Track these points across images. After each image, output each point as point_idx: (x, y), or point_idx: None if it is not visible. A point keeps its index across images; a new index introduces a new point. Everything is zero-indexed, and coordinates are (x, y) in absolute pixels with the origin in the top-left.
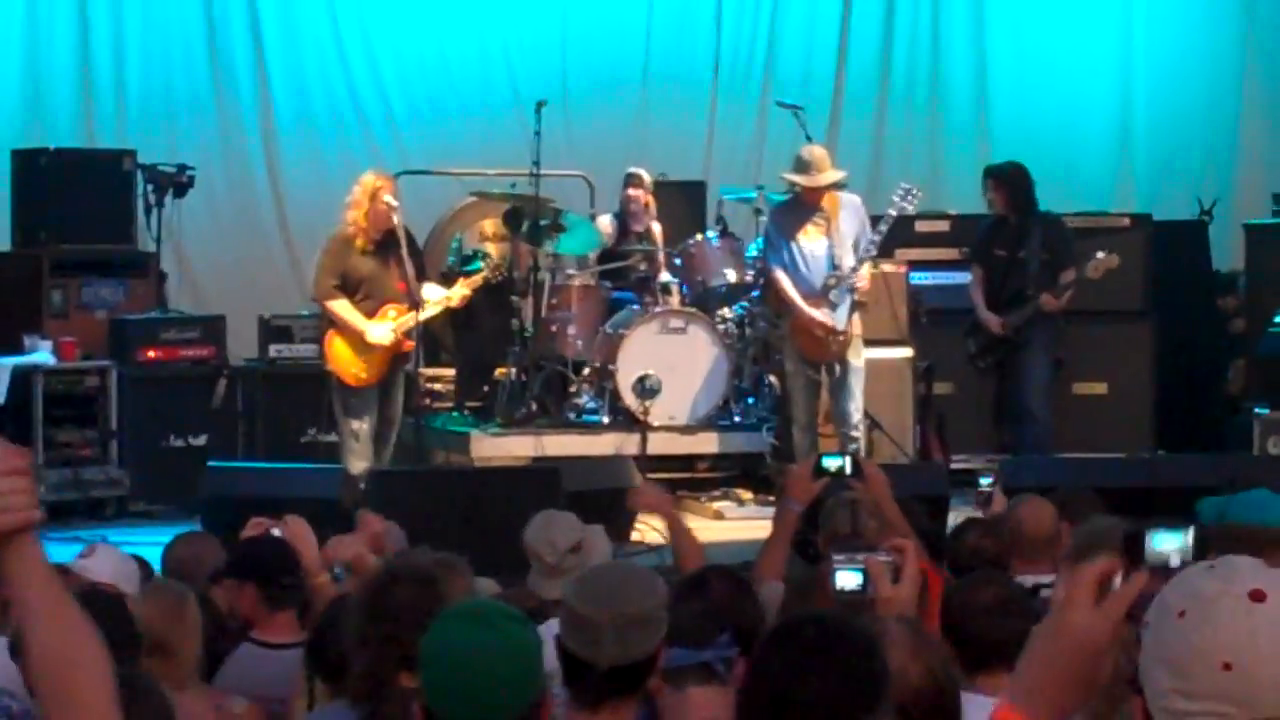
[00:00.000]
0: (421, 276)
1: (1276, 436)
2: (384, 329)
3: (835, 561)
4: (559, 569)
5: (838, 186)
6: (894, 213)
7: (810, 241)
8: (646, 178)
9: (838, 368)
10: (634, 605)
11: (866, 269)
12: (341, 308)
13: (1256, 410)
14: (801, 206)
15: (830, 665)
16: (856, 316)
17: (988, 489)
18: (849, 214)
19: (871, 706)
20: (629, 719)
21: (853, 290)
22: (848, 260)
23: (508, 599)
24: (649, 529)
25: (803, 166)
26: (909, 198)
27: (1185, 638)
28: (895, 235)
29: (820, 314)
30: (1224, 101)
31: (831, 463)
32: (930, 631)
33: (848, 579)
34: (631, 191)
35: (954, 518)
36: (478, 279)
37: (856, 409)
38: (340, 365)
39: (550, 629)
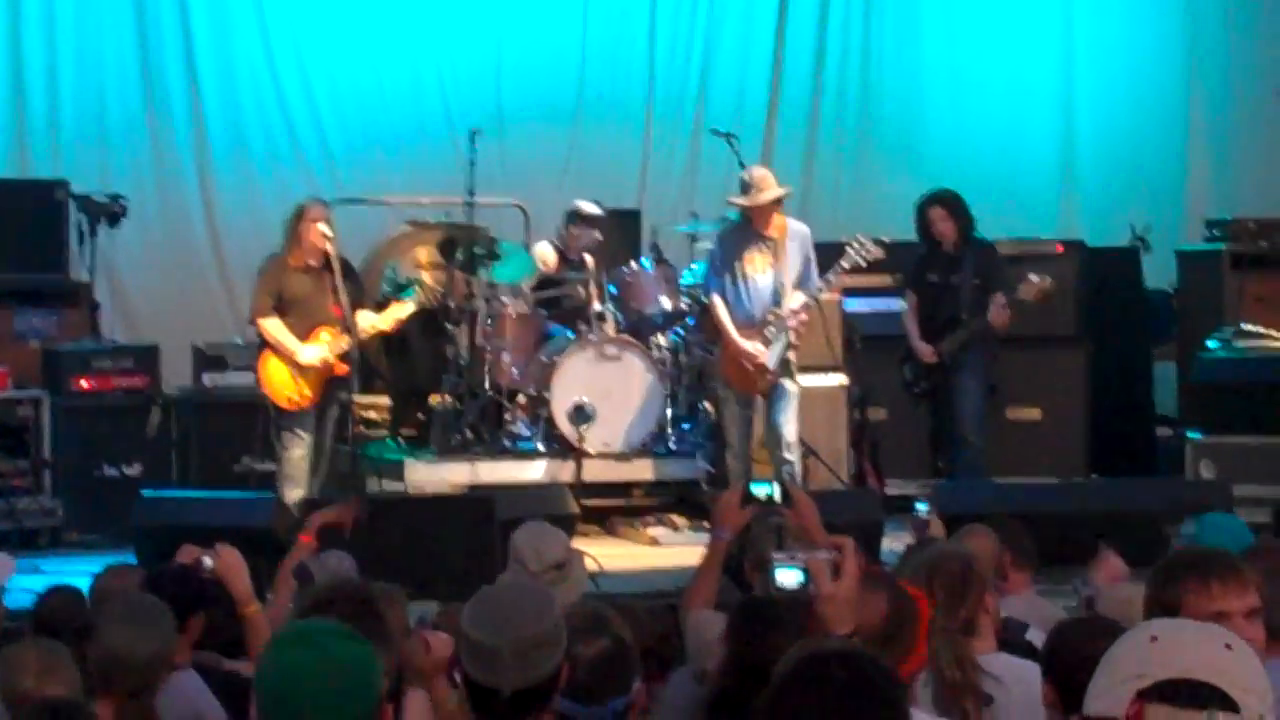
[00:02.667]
0: (359, 304)
1: (1209, 460)
2: (316, 350)
3: (775, 559)
4: (538, 580)
5: (778, 203)
6: (846, 265)
7: (755, 271)
8: (597, 213)
9: (764, 396)
10: (531, 628)
11: (801, 300)
12: (275, 327)
13: (1189, 435)
14: (749, 231)
15: (857, 702)
16: (793, 354)
17: (924, 515)
18: (796, 244)
19: None
20: None
21: (787, 330)
22: (790, 295)
23: (448, 616)
24: (585, 556)
25: (744, 188)
26: (863, 251)
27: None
28: (828, 261)
29: (751, 347)
30: (1169, 129)
31: (760, 490)
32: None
33: (788, 576)
34: (577, 231)
35: (888, 543)
36: (410, 304)
37: (791, 433)
38: (274, 388)
39: None
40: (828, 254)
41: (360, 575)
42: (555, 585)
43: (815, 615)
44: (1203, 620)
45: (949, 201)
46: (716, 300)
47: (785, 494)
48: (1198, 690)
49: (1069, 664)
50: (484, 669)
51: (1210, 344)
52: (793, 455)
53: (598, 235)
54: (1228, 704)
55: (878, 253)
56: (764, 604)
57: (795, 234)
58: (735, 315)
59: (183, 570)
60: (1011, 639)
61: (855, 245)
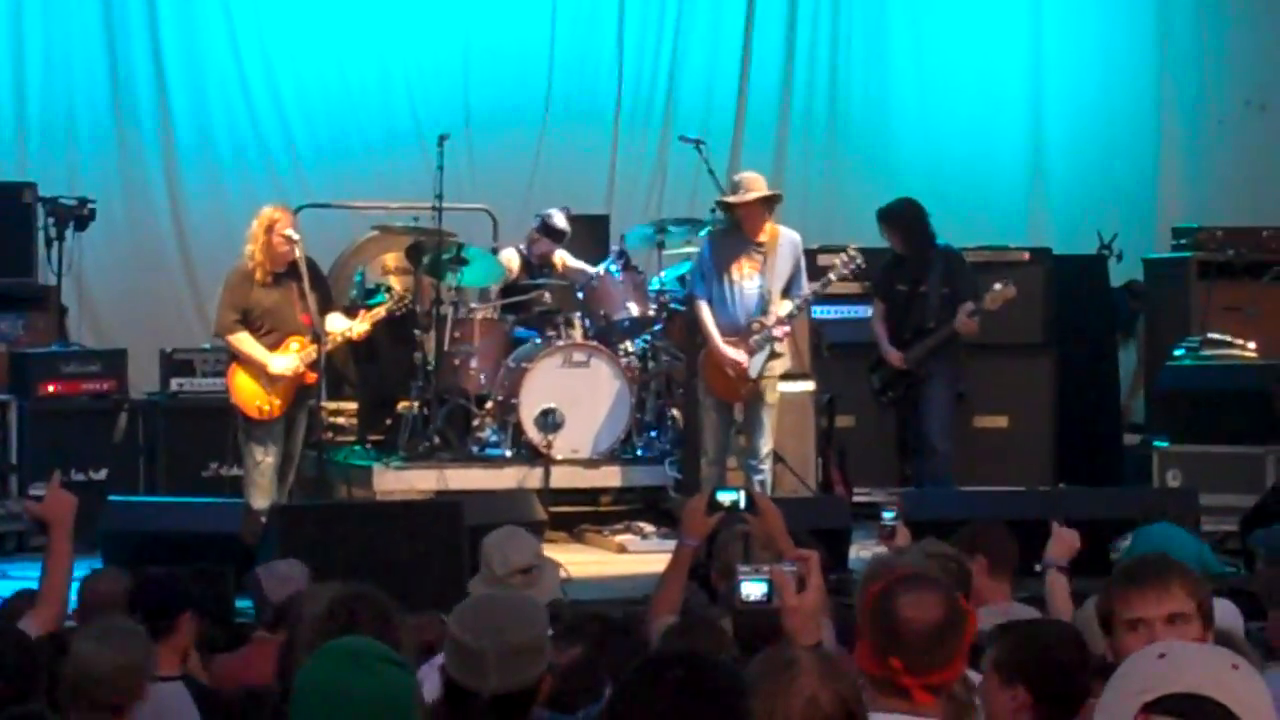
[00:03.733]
0: (328, 307)
1: (1175, 469)
2: (287, 360)
3: (741, 573)
4: (503, 584)
5: (769, 206)
6: (834, 276)
7: (744, 278)
8: (564, 230)
9: (745, 407)
10: (517, 636)
11: (787, 309)
12: (243, 341)
13: (1156, 443)
14: (738, 237)
15: (700, 707)
16: (776, 362)
17: (891, 523)
18: (786, 252)
19: None
20: None
21: (773, 340)
22: (777, 304)
23: (415, 627)
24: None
25: (734, 186)
26: (851, 264)
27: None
28: (813, 269)
29: (735, 353)
30: (1140, 138)
31: (726, 497)
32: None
33: (753, 589)
34: (536, 237)
35: (855, 551)
36: (380, 311)
37: (767, 445)
38: (244, 399)
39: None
40: (806, 261)
41: (313, 582)
42: (522, 591)
43: (781, 628)
44: (1124, 625)
45: (887, 215)
46: (702, 305)
47: (751, 501)
48: (1202, 706)
49: (1037, 668)
50: (468, 672)
51: (1177, 352)
52: (766, 466)
53: (556, 250)
54: None
55: (863, 264)
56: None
57: (786, 241)
58: (720, 321)
59: (168, 574)
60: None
61: (846, 257)
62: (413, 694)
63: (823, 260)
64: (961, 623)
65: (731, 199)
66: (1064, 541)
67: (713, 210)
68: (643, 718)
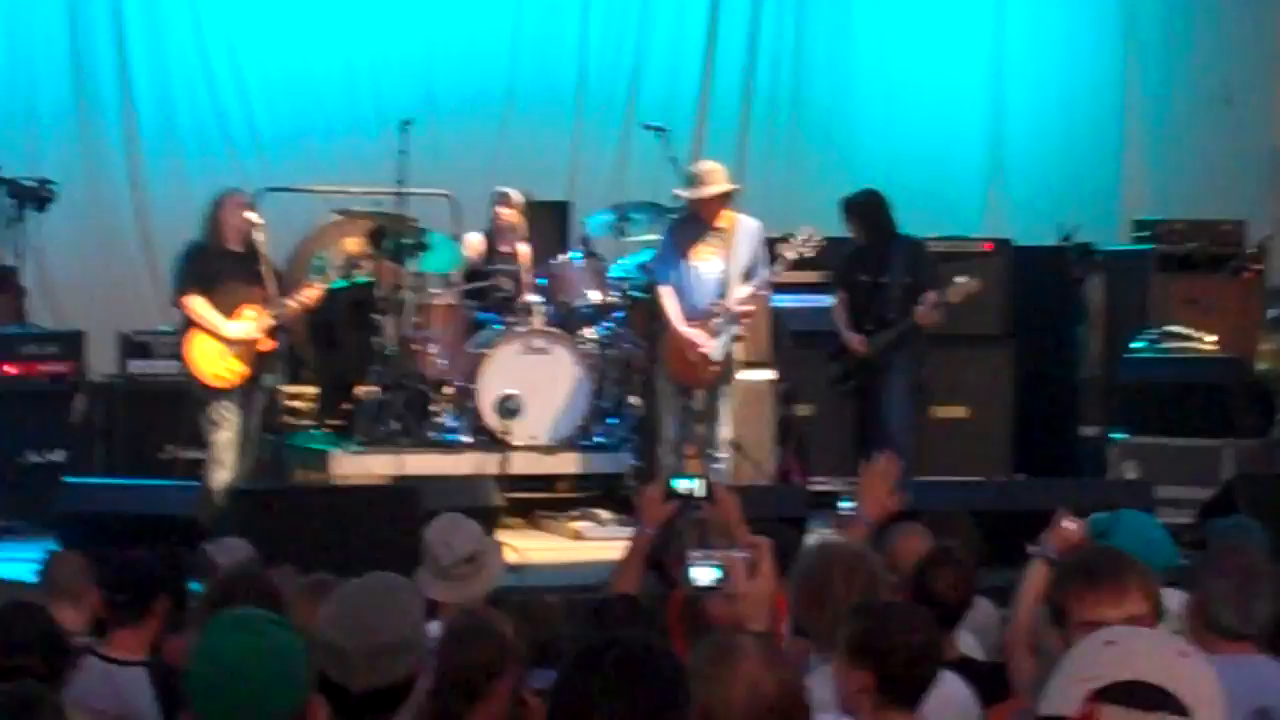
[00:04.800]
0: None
1: (1132, 461)
2: (243, 325)
3: (692, 558)
4: (450, 573)
5: (725, 199)
6: (791, 255)
7: (702, 262)
8: (517, 198)
9: (704, 393)
10: (384, 635)
11: (747, 291)
12: (199, 305)
13: (1113, 435)
14: (697, 223)
15: (635, 692)
16: (738, 345)
17: (849, 512)
18: (745, 239)
19: None
20: None
21: (735, 322)
22: (737, 287)
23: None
24: (508, 548)
25: (691, 180)
26: (809, 243)
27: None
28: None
29: (697, 336)
30: (1103, 130)
31: (683, 485)
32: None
33: (704, 574)
34: (500, 210)
35: (812, 540)
36: (331, 275)
37: (726, 433)
38: (200, 366)
39: (429, 629)
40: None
41: (260, 561)
42: (469, 579)
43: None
44: (1080, 626)
45: (850, 205)
46: (665, 290)
47: (708, 489)
48: (1150, 693)
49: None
50: (335, 668)
51: (1136, 345)
52: (725, 455)
53: (509, 213)
54: (1178, 708)
55: (821, 243)
56: None
57: (745, 228)
58: (681, 305)
59: (148, 556)
60: None
61: (803, 236)
62: (302, 657)
63: (785, 250)
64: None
65: (688, 195)
66: (1064, 535)
67: (675, 198)
68: (582, 703)
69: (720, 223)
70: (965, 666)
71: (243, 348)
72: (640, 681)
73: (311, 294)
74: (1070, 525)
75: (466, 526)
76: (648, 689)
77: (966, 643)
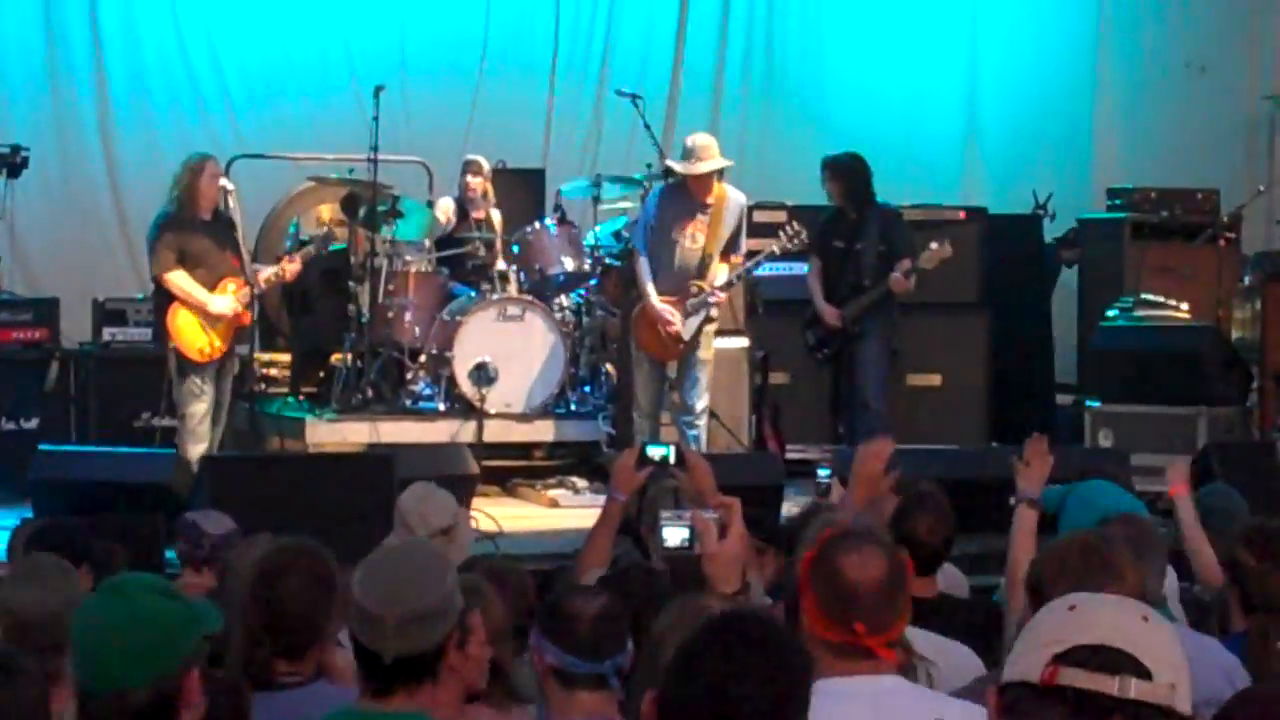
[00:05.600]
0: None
1: (1107, 429)
2: (226, 301)
3: (663, 518)
4: None
5: (719, 175)
6: (776, 249)
7: (686, 239)
8: (485, 165)
9: (677, 363)
10: (417, 602)
11: (725, 277)
12: (182, 279)
13: (1088, 403)
14: (686, 197)
15: (768, 663)
16: (710, 328)
17: (827, 480)
18: (732, 214)
19: (804, 708)
20: (426, 702)
21: (709, 305)
22: (717, 268)
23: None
24: (483, 516)
25: (685, 154)
26: (794, 239)
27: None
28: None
29: (669, 313)
30: (1076, 97)
31: (655, 451)
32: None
33: (674, 535)
34: (470, 179)
35: (788, 508)
36: (310, 250)
37: (701, 401)
38: (185, 341)
39: None
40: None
41: (241, 531)
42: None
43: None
44: None
45: (833, 163)
46: (642, 260)
47: (680, 456)
48: (1111, 656)
49: None
50: (367, 634)
51: (1110, 313)
52: (700, 423)
53: (478, 180)
54: (1140, 671)
55: (805, 239)
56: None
57: (733, 203)
58: (659, 279)
59: (67, 524)
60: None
61: (789, 232)
62: (181, 625)
63: (759, 217)
64: (904, 570)
65: (682, 169)
66: (1035, 468)
67: (649, 166)
68: (713, 676)
69: (709, 198)
70: (943, 603)
71: (226, 322)
72: (775, 653)
73: (292, 268)
74: (1040, 452)
75: (441, 497)
76: (782, 661)
77: (947, 582)
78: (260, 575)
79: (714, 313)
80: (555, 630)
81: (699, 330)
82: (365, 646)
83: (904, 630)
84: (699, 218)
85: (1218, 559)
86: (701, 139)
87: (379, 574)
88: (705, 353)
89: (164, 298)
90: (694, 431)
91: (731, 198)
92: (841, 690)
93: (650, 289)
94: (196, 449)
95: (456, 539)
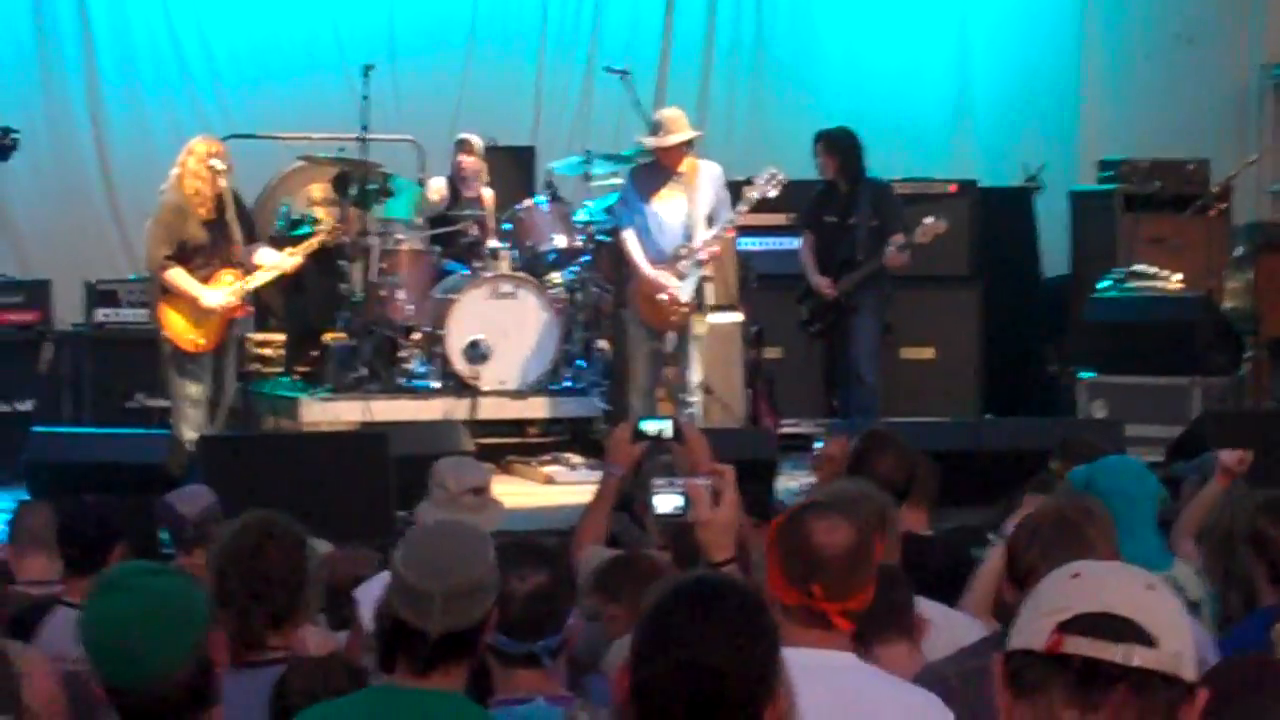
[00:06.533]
0: (252, 239)
1: (1100, 400)
2: (220, 294)
3: (655, 486)
4: (456, 502)
5: (688, 146)
6: (756, 195)
7: (665, 206)
8: (478, 144)
9: (675, 337)
10: (463, 576)
11: (711, 232)
12: (177, 276)
13: (1081, 374)
14: (660, 169)
15: (741, 630)
16: (709, 286)
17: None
18: (708, 183)
19: (777, 675)
20: (459, 682)
21: (701, 264)
22: (701, 231)
23: (346, 560)
24: None
25: (654, 128)
26: (773, 181)
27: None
28: (735, 194)
29: (664, 279)
30: (1064, 69)
31: (651, 426)
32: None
33: (667, 502)
34: (463, 159)
35: (783, 482)
36: (313, 243)
37: (696, 376)
38: (177, 333)
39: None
40: (735, 191)
41: (220, 507)
42: (474, 512)
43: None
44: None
45: (829, 137)
46: (629, 235)
47: (677, 431)
48: (1116, 624)
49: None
50: (414, 612)
51: (1102, 284)
52: (695, 398)
53: (471, 160)
54: (1145, 639)
55: (784, 180)
56: None
57: (707, 172)
58: (647, 251)
59: (99, 505)
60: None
61: (766, 176)
62: (190, 593)
63: (747, 190)
64: (871, 548)
65: (652, 143)
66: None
67: (639, 142)
68: (682, 643)
69: (682, 168)
70: (910, 541)
71: (220, 314)
72: (746, 617)
73: (293, 261)
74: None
75: (477, 465)
76: (753, 624)
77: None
78: (242, 546)
79: (708, 270)
80: None
81: (698, 292)
82: (408, 624)
83: (866, 604)
84: (676, 189)
85: (1234, 533)
86: (669, 112)
87: (423, 549)
88: (699, 327)
89: (158, 288)
90: (690, 408)
91: (705, 168)
92: (797, 662)
93: (642, 262)
94: (190, 433)
95: (489, 506)
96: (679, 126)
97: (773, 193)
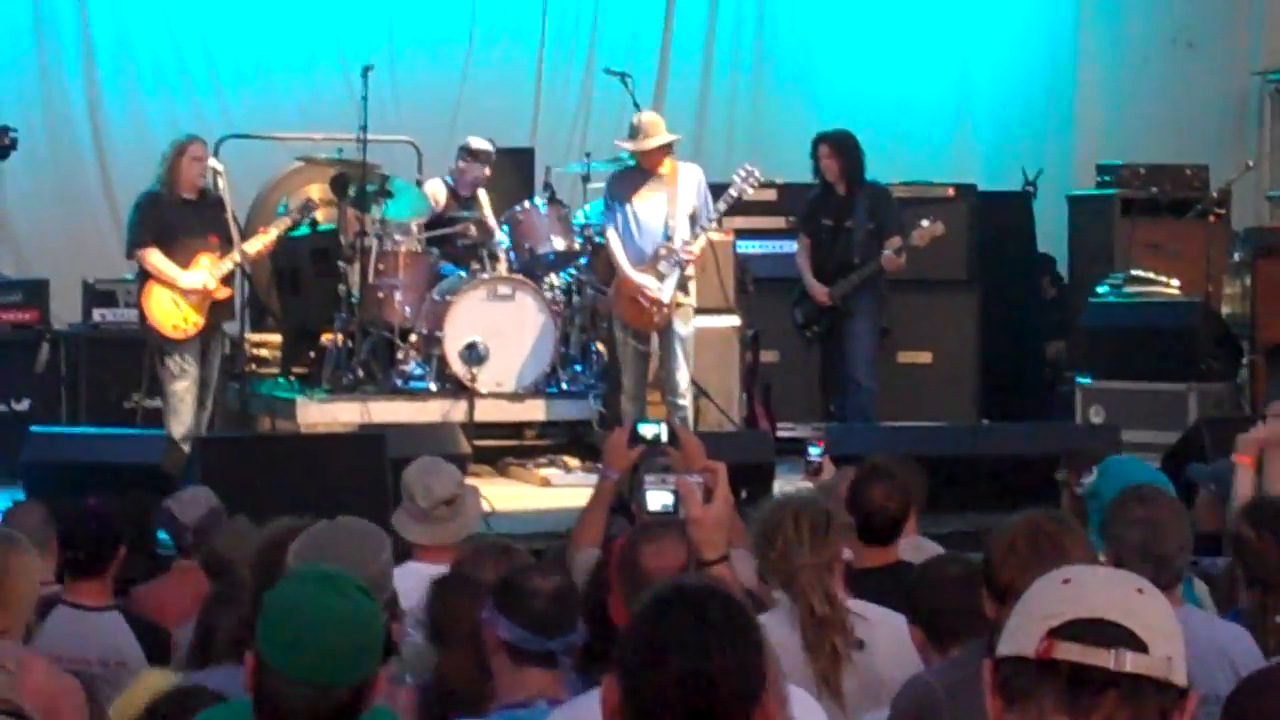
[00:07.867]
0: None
1: (1098, 405)
2: (197, 275)
3: (647, 482)
4: (428, 516)
5: (667, 149)
6: (734, 194)
7: (645, 207)
8: (490, 154)
9: (659, 337)
10: (354, 573)
11: (699, 238)
12: (154, 258)
13: (1078, 379)
14: (639, 173)
15: (735, 636)
16: (692, 285)
17: (817, 459)
18: (688, 184)
19: (765, 674)
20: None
21: (682, 265)
22: (682, 231)
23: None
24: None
25: (632, 132)
26: (750, 179)
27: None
28: (717, 194)
29: (644, 280)
30: (1063, 73)
31: (648, 430)
32: None
33: (657, 499)
34: (471, 167)
35: (780, 486)
36: (285, 222)
37: (685, 377)
38: (158, 318)
39: (406, 570)
40: (719, 193)
41: (224, 509)
42: (446, 521)
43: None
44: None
45: (834, 139)
46: (611, 236)
47: (673, 434)
48: (1107, 629)
49: (930, 603)
50: None
51: (1101, 289)
52: (685, 400)
53: (486, 171)
54: (1136, 644)
55: (760, 178)
56: None
57: (687, 173)
58: (628, 252)
59: (98, 506)
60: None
61: (742, 174)
62: (381, 626)
63: (749, 195)
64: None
65: (630, 147)
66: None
67: (618, 147)
68: (660, 649)
69: (663, 170)
70: (900, 568)
71: (198, 297)
72: (741, 625)
73: (266, 239)
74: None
75: (445, 469)
76: (747, 633)
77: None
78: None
79: (689, 270)
80: (511, 605)
81: (679, 289)
82: None
83: None
84: (656, 190)
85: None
86: (647, 116)
87: (315, 544)
88: (684, 328)
89: (142, 277)
90: (680, 411)
91: (685, 170)
92: None
93: (623, 262)
94: (180, 429)
95: (462, 512)
96: (656, 130)
97: (750, 190)
